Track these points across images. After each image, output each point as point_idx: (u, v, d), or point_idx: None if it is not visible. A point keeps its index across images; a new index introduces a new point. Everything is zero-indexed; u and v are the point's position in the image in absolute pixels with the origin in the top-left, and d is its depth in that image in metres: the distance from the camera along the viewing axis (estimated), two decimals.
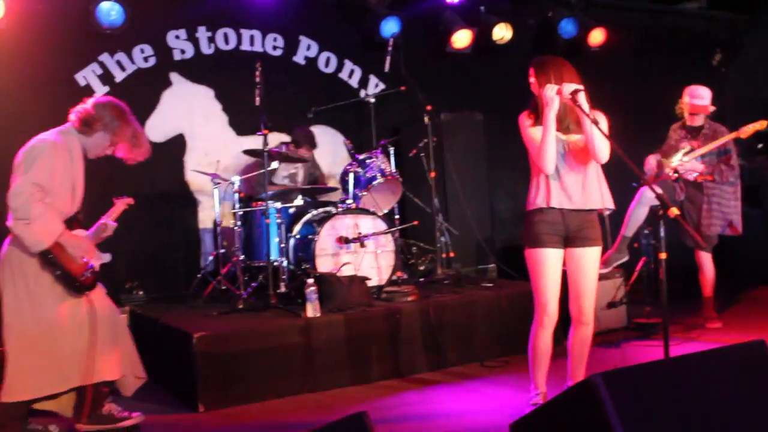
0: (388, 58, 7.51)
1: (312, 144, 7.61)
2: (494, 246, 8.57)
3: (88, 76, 7.37)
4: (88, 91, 7.34)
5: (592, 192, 4.34)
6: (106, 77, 7.44)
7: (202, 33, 7.94)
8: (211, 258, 7.32)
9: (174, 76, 7.82)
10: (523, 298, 6.40)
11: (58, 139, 4.38)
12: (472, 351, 6.06)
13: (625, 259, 6.63)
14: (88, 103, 4.53)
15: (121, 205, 4.90)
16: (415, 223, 7.03)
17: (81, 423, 4.49)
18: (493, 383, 5.49)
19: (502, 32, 9.06)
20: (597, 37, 9.38)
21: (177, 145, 7.84)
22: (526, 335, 6.15)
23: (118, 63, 7.51)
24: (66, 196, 4.41)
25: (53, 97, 7.09)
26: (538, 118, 4.32)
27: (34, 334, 4.28)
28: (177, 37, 7.82)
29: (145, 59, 7.65)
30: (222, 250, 7.04)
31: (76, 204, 4.54)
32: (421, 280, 7.11)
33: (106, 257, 4.69)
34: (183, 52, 7.85)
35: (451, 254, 7.62)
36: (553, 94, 4.18)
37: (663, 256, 3.84)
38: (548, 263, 4.33)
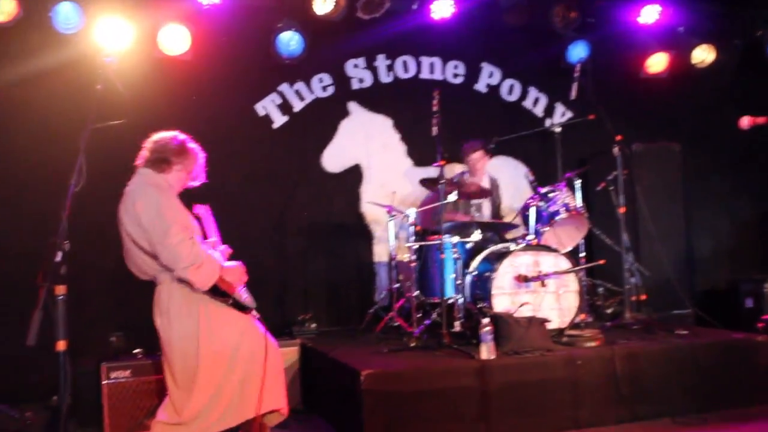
0: (575, 85, 7.35)
1: (487, 150, 7.52)
2: (691, 290, 8.15)
3: (267, 106, 7.73)
4: (267, 121, 7.72)
5: None
6: (284, 107, 7.78)
7: (381, 61, 8.15)
8: (384, 293, 7.41)
9: (352, 106, 8.06)
10: (722, 349, 6.05)
11: (150, 182, 4.55)
12: (662, 405, 5.74)
13: None
14: (149, 143, 4.67)
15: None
16: (602, 262, 6.77)
17: None
18: None
19: (703, 54, 8.70)
20: None
21: (353, 175, 8.07)
22: (725, 390, 5.83)
23: (297, 93, 7.83)
24: (195, 227, 4.63)
25: (233, 127, 7.53)
26: None
27: (216, 364, 4.46)
28: (356, 65, 8.06)
29: (324, 88, 7.94)
30: (396, 285, 7.10)
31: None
32: (608, 324, 6.84)
33: None
34: (361, 80, 8.08)
35: (642, 297, 7.30)
36: None
37: None
38: None
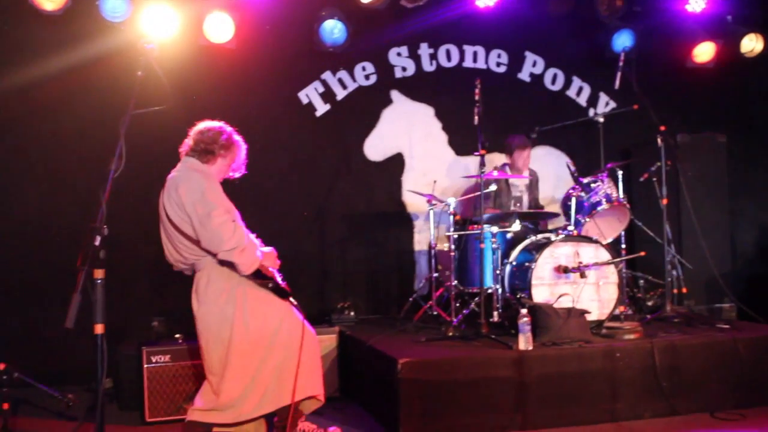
0: (619, 74, 7.23)
1: (525, 142, 7.38)
2: (734, 283, 8.00)
3: (310, 94, 7.73)
4: (309, 109, 7.72)
5: None
6: (327, 95, 7.78)
7: (424, 50, 8.10)
8: (423, 282, 7.39)
9: (394, 94, 8.03)
10: (764, 343, 5.92)
11: (194, 168, 4.57)
12: (701, 400, 5.64)
13: None
14: (195, 133, 4.69)
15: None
16: (643, 254, 6.67)
17: None
18: None
19: (752, 44, 8.51)
20: None
21: (395, 164, 8.04)
22: (766, 386, 5.70)
23: (340, 81, 7.82)
24: (236, 214, 4.63)
25: (276, 115, 7.56)
26: None
27: (251, 351, 4.47)
28: (399, 54, 8.03)
29: (366, 77, 7.92)
30: (436, 274, 7.07)
31: None
32: (648, 316, 6.74)
33: None
34: (404, 69, 8.05)
35: (683, 290, 7.20)
36: None
37: None
38: None
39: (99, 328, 3.48)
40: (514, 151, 7.35)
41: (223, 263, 4.46)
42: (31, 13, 6.67)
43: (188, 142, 4.69)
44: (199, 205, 4.34)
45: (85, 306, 3.45)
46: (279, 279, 4.63)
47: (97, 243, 3.41)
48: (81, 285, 3.34)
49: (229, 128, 4.76)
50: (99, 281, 3.45)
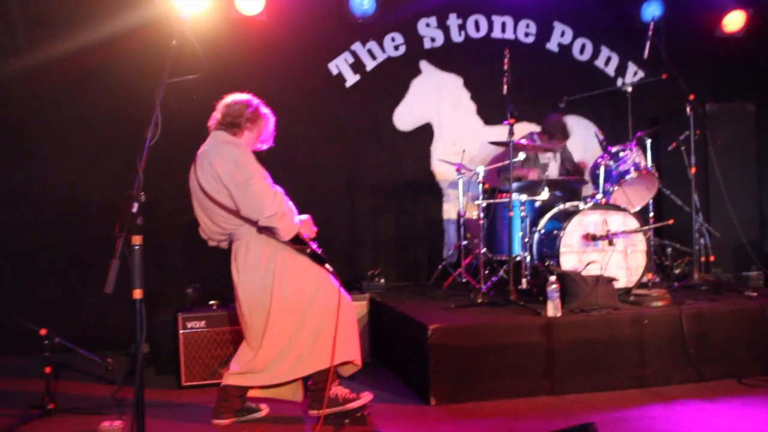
0: (648, 44, 7.14)
1: (564, 134, 7.33)
2: (762, 251, 7.92)
3: (340, 65, 7.72)
4: (339, 79, 7.71)
5: None
6: (357, 66, 7.76)
7: (453, 20, 8.05)
8: (452, 249, 7.39)
9: (423, 65, 7.99)
10: None
11: (225, 140, 4.55)
12: (728, 366, 5.61)
13: None
14: (222, 107, 4.66)
15: None
16: (671, 222, 6.59)
17: (321, 409, 4.58)
18: (753, 404, 5.02)
19: None
20: None
21: (424, 134, 8.03)
22: None
23: (369, 52, 7.79)
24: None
25: (306, 86, 7.56)
26: None
27: (289, 315, 4.50)
28: (428, 25, 7.98)
29: (396, 48, 7.88)
30: (464, 242, 7.07)
31: None
32: (675, 284, 6.71)
33: None
34: (433, 40, 8.00)
35: (711, 258, 7.15)
36: None
37: None
38: None
39: (137, 293, 3.51)
40: (558, 135, 7.26)
41: (262, 230, 4.48)
42: None
43: (216, 115, 4.67)
44: (237, 173, 4.34)
45: (123, 272, 3.48)
46: (314, 246, 4.64)
47: (134, 210, 3.43)
48: (119, 251, 3.37)
49: (256, 100, 4.72)
50: (137, 247, 3.47)
